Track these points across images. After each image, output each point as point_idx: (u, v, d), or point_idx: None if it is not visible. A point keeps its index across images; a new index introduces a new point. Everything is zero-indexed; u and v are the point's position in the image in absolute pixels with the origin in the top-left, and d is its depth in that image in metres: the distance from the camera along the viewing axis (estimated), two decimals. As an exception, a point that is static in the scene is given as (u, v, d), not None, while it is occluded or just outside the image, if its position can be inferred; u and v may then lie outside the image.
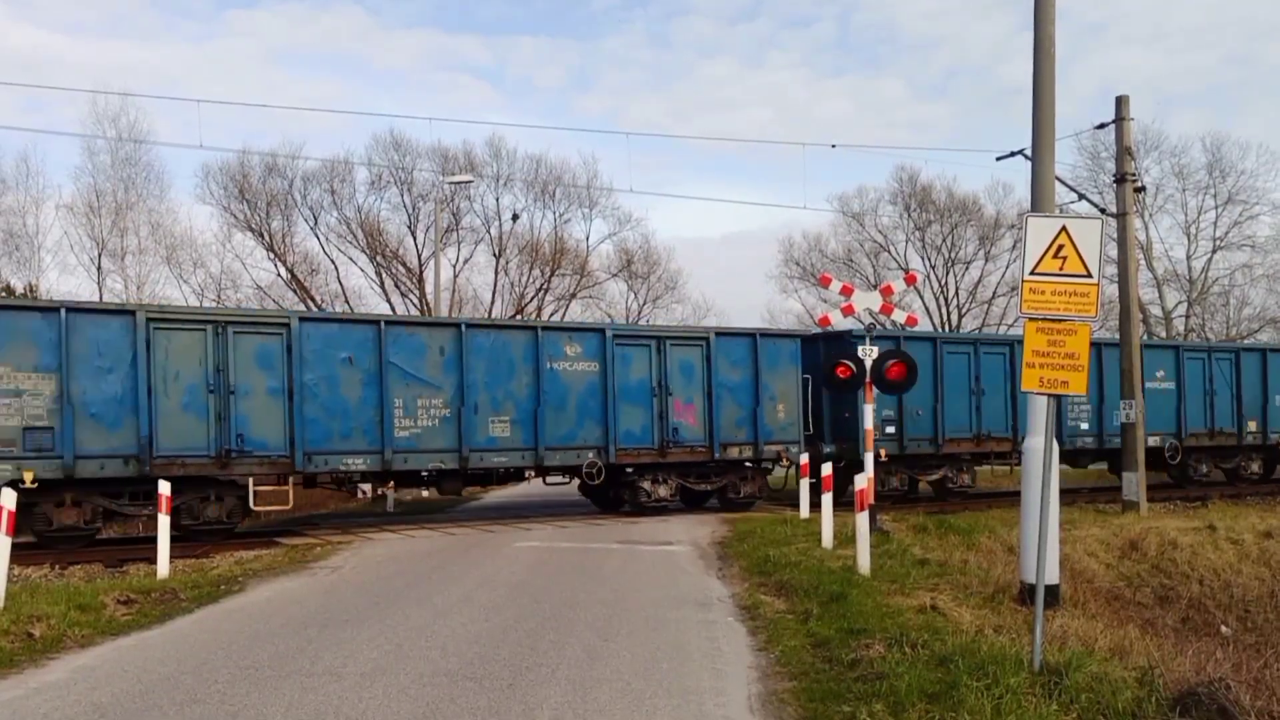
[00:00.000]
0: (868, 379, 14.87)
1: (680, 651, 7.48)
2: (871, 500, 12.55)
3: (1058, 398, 7.18)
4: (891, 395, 18.04)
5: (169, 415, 14.21)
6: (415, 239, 39.07)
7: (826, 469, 13.75)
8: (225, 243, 36.89)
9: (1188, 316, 43.50)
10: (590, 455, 17.09)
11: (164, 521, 11.66)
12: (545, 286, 40.31)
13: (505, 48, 76.81)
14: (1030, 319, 6.99)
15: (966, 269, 46.82)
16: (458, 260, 39.42)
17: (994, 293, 45.93)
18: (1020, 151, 19.74)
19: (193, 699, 6.26)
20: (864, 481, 11.58)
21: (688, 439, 18.02)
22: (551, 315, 38.85)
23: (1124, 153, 19.54)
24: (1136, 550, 15.82)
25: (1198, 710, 5.90)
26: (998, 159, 23.09)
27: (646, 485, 17.92)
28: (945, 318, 46.23)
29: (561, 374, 17.00)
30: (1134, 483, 19.09)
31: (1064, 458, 21.57)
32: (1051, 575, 9.48)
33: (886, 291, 15.93)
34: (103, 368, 13.84)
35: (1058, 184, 12.93)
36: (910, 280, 24.57)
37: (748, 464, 18.93)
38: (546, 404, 16.73)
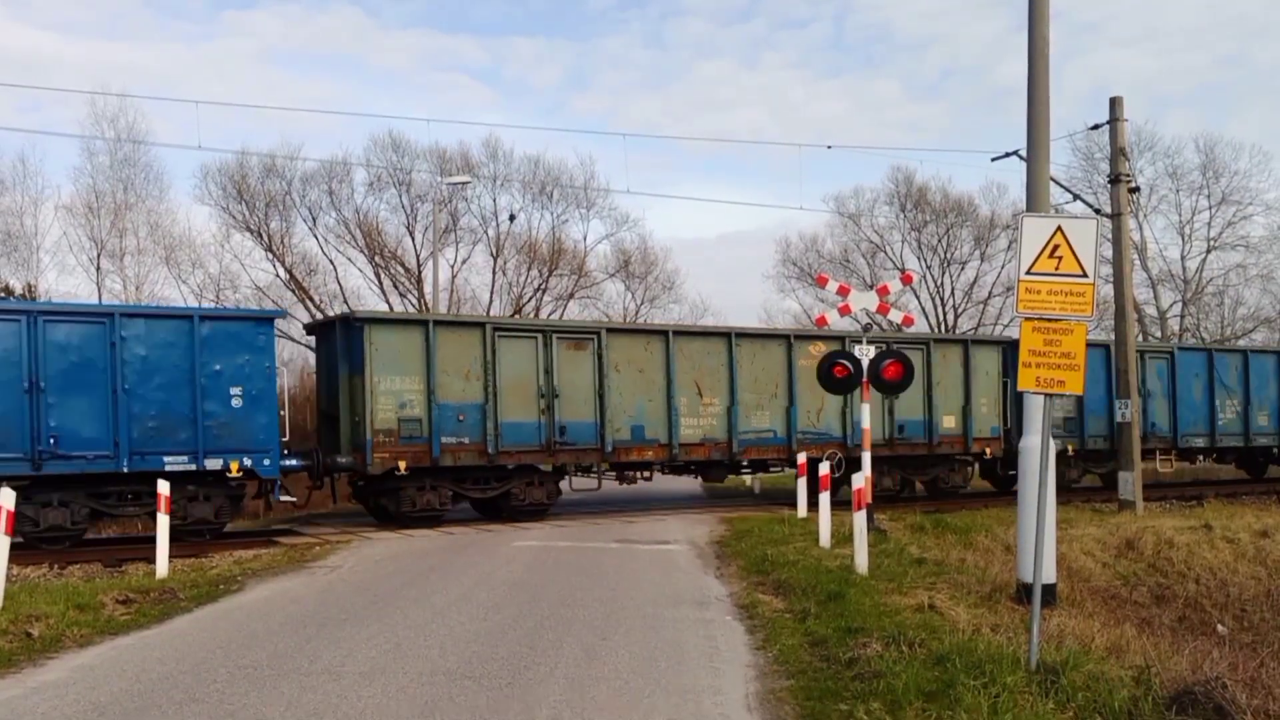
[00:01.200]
0: (864, 378, 14.88)
1: (678, 650, 7.50)
2: (869, 499, 12.56)
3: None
4: (889, 395, 18.13)
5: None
6: (413, 239, 39.07)
7: (824, 467, 13.77)
8: (224, 243, 36.81)
9: (1183, 316, 43.59)
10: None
11: (163, 521, 11.66)
12: (543, 287, 40.32)
13: (501, 48, 76.81)
14: (1026, 319, 7.01)
15: (962, 269, 46.87)
16: (456, 260, 39.40)
17: (990, 293, 45.97)
18: (1015, 152, 19.78)
19: (191, 698, 6.27)
20: (862, 480, 11.59)
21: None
22: (550, 315, 38.83)
23: (1118, 154, 19.58)
24: (1133, 549, 15.85)
25: (1194, 709, 5.92)
26: (993, 160, 23.21)
27: None
28: (941, 318, 46.30)
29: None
30: (1130, 482, 19.13)
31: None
32: (1048, 574, 9.52)
33: (883, 291, 15.97)
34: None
35: (1053, 184, 12.96)
36: (906, 280, 24.64)
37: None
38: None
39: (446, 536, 15.24)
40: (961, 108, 77.64)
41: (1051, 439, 7.21)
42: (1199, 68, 73.43)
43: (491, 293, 39.65)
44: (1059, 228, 7.00)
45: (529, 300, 39.93)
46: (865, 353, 14.76)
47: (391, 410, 15.76)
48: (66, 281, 36.79)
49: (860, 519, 11.18)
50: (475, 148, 39.71)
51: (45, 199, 33.22)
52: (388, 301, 38.49)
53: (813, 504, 14.51)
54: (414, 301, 38.47)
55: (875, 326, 30.70)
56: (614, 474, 18.89)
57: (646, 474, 19.10)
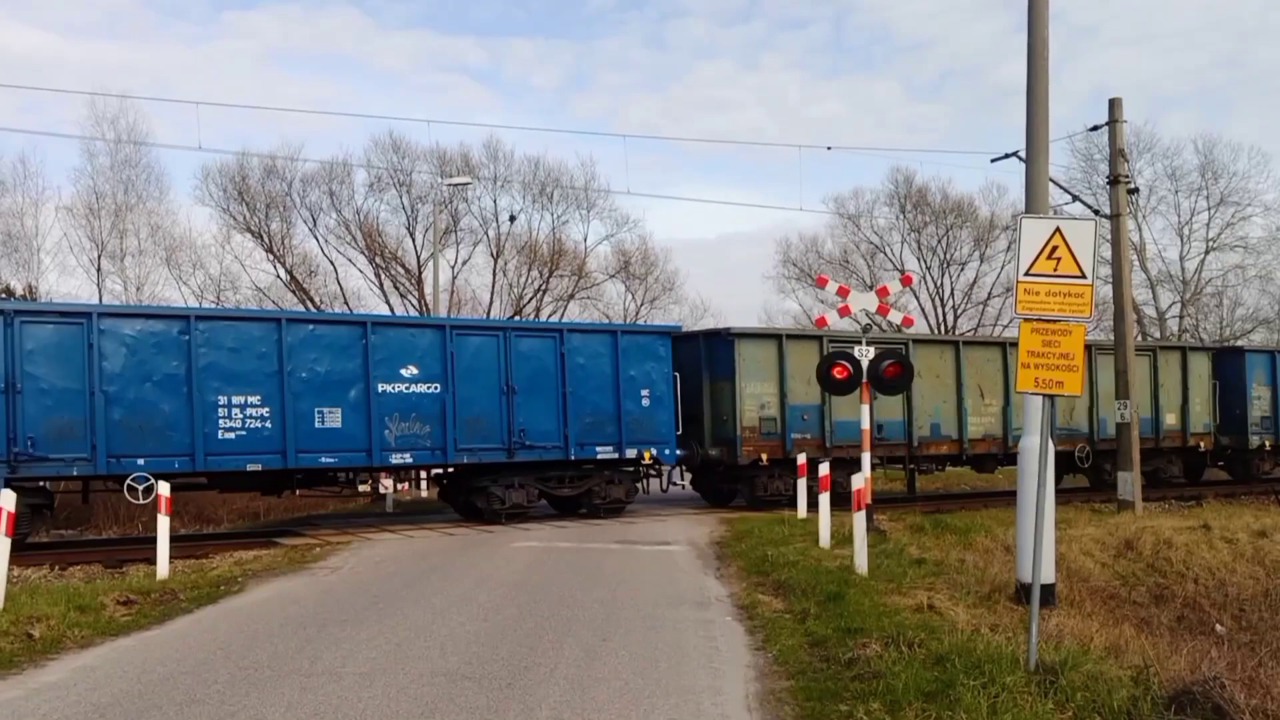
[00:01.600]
0: (864, 379, 14.90)
1: (678, 651, 7.52)
2: (869, 500, 12.58)
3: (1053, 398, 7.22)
4: (889, 395, 18.20)
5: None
6: (414, 240, 39.05)
7: (824, 468, 13.77)
8: (224, 244, 36.79)
9: (1181, 317, 43.61)
10: None
11: (163, 522, 11.66)
12: (543, 288, 40.32)
13: (501, 49, 76.80)
14: (1025, 320, 7.02)
15: (961, 270, 46.88)
16: (456, 261, 39.38)
17: (989, 294, 45.98)
18: (1014, 153, 19.78)
19: (192, 699, 6.28)
20: (861, 481, 11.60)
21: None
22: (550, 316, 38.85)
23: (1117, 155, 19.61)
24: (1132, 549, 15.89)
25: (1193, 709, 5.94)
26: (992, 161, 23.18)
27: None
28: (941, 319, 46.33)
29: None
30: (1129, 482, 19.14)
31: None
32: (1047, 574, 9.53)
33: (882, 293, 15.98)
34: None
35: (1052, 185, 12.98)
36: (906, 281, 24.65)
37: None
38: None
39: (447, 537, 15.26)
40: (961, 108, 77.75)
41: (1050, 440, 7.22)
42: (1198, 68, 73.54)
43: (492, 294, 39.67)
44: (1058, 229, 7.02)
45: (529, 301, 39.95)
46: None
47: (754, 411, 18.60)
48: (67, 283, 36.77)
49: (860, 519, 11.20)
50: (475, 149, 39.71)
51: (46, 200, 33.12)
52: (388, 303, 38.51)
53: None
54: (414, 303, 38.48)
55: (875, 327, 30.72)
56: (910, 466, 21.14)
57: (940, 466, 21.63)
